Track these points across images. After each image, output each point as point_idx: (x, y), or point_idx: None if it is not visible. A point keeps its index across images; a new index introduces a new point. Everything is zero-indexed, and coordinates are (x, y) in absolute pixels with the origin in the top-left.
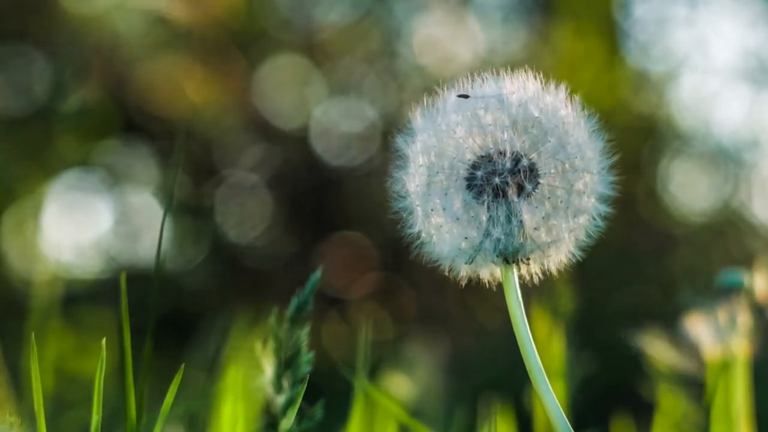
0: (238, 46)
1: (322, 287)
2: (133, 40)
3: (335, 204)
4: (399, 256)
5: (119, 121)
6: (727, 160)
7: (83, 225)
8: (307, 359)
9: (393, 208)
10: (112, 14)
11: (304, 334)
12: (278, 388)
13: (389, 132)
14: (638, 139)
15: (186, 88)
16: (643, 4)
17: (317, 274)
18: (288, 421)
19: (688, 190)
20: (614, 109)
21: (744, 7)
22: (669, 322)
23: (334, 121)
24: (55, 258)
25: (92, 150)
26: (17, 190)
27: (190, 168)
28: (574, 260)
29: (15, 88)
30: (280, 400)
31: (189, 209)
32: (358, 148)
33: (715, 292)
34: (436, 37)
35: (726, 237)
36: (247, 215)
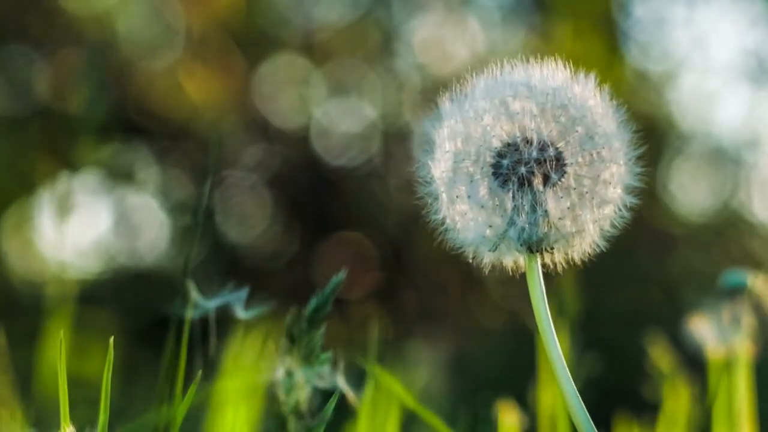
0: (238, 45)
1: (322, 287)
2: (133, 40)
3: (335, 204)
4: (399, 256)
5: (119, 121)
6: (727, 160)
7: (83, 225)
8: (324, 359)
9: (418, 193)
10: (112, 14)
11: (320, 334)
12: (291, 387)
13: (389, 132)
14: (638, 139)
15: (186, 87)
16: (643, 4)
17: (341, 275)
18: (299, 421)
19: (688, 190)
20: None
21: (744, 7)
22: (670, 323)
23: (334, 121)
24: (55, 258)
25: (93, 150)
26: (17, 191)
27: (190, 168)
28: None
29: (15, 88)
30: (293, 400)
31: (189, 209)
32: (358, 148)
33: (719, 293)
34: (436, 37)
35: (726, 237)
36: (247, 215)
